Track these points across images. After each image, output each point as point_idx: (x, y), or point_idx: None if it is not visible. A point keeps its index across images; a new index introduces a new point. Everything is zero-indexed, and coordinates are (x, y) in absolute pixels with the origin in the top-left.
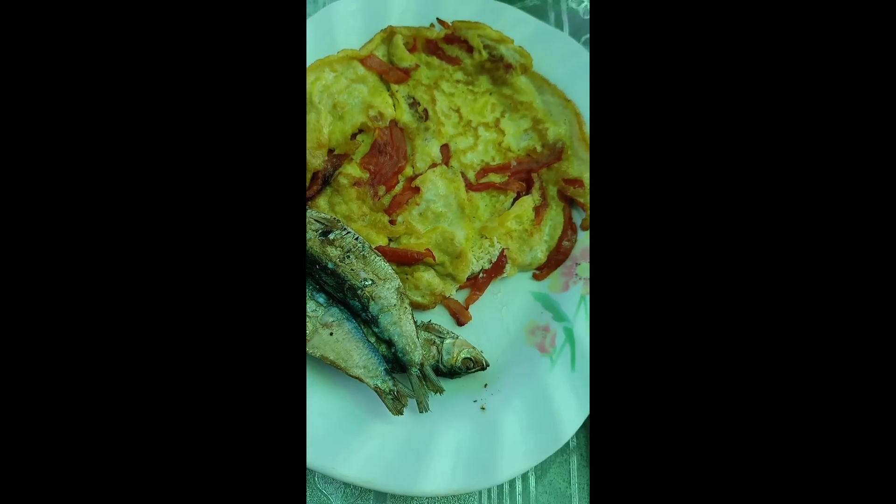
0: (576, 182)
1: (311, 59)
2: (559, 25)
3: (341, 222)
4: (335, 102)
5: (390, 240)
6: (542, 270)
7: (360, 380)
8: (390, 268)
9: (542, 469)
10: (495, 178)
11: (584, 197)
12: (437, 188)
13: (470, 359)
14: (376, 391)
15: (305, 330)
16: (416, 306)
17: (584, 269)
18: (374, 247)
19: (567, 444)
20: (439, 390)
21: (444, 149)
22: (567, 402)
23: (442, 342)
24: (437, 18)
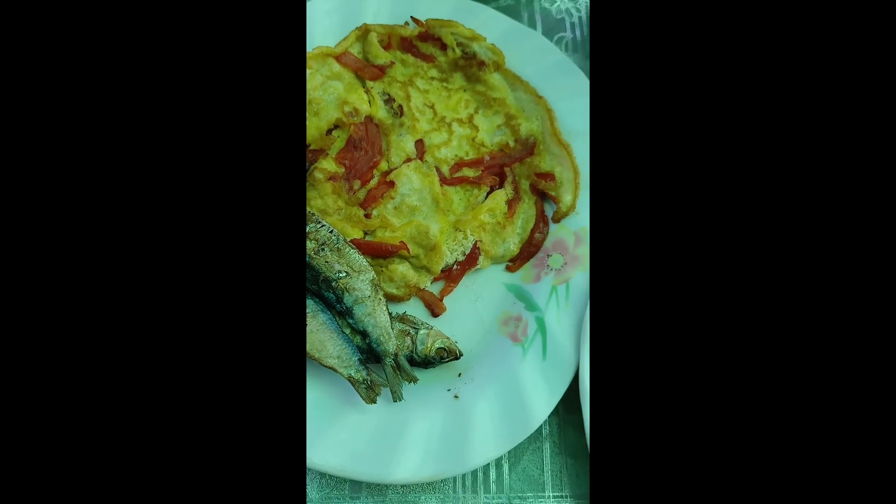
0: (547, 176)
1: None
2: (532, 25)
3: (316, 216)
4: (311, 99)
5: (365, 233)
6: (515, 262)
7: (334, 370)
8: (364, 260)
9: (515, 456)
10: (469, 173)
11: (556, 190)
12: (412, 182)
13: (444, 348)
14: (350, 381)
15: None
16: (391, 298)
17: (556, 260)
18: (348, 240)
19: (540, 432)
20: (413, 379)
21: (419, 144)
22: (538, 389)
23: (416, 333)
24: (412, 17)
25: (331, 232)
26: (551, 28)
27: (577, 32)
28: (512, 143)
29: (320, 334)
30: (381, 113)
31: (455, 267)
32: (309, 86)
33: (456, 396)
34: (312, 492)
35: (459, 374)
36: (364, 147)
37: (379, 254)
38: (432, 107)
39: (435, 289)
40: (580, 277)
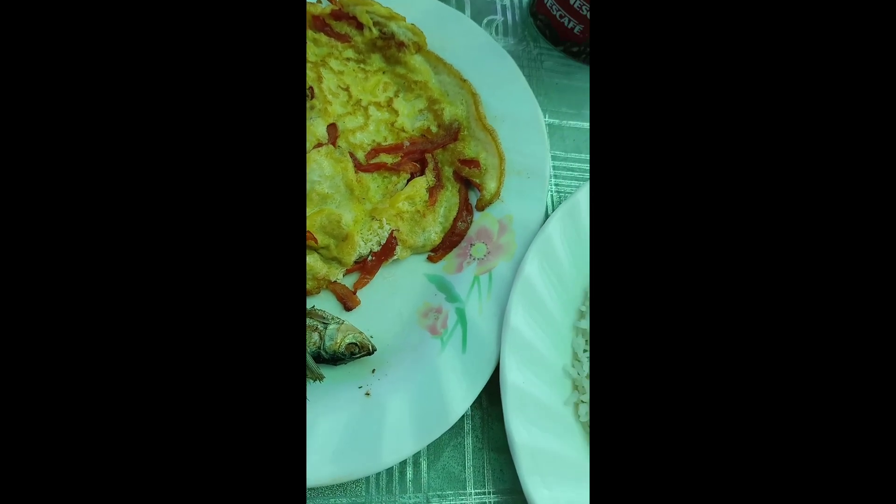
0: (472, 162)
1: None
2: (461, 7)
3: None
4: None
5: None
6: (437, 252)
7: None
8: None
9: (434, 453)
10: (387, 159)
11: (480, 177)
12: (323, 169)
13: (355, 343)
14: None
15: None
16: None
17: (479, 249)
18: None
19: (462, 427)
20: (318, 378)
21: (332, 128)
22: (457, 383)
23: (325, 328)
24: None
25: None
26: (481, 10)
27: (509, 15)
28: (434, 129)
29: None
30: None
31: (370, 258)
32: None
33: (367, 394)
34: None
35: (373, 371)
36: None
37: None
38: (347, 89)
39: (349, 281)
40: (503, 267)
